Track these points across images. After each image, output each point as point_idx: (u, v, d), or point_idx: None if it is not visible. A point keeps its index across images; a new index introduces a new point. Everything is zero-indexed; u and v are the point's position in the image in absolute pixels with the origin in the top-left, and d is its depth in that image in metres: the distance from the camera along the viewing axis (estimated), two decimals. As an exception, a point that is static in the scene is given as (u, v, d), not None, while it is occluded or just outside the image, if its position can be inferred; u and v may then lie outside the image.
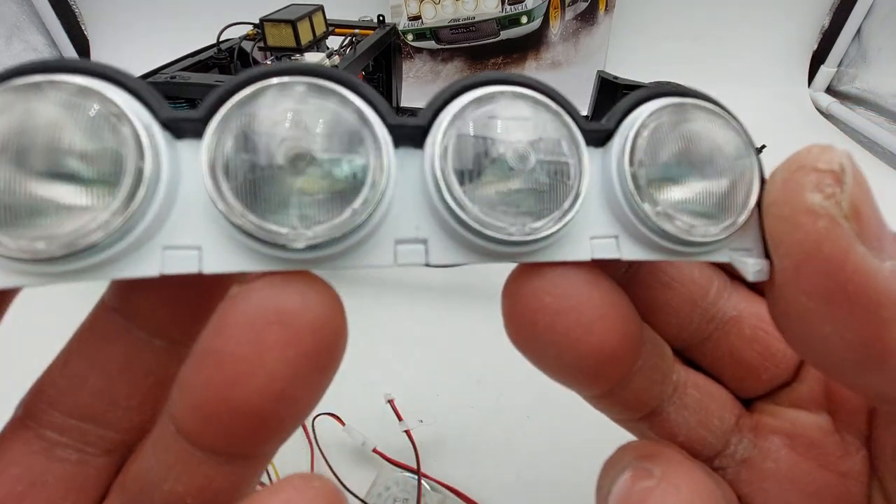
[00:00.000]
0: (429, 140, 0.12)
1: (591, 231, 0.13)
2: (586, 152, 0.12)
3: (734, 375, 0.17)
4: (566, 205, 0.12)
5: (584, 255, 0.13)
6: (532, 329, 0.13)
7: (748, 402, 0.18)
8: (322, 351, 0.11)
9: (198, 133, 0.11)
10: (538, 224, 0.12)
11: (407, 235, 0.12)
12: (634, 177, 0.12)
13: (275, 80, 0.11)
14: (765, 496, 0.16)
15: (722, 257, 0.13)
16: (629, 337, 0.13)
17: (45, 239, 0.10)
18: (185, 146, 0.11)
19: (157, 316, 0.14)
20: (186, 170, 0.11)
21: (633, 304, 0.14)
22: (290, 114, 0.11)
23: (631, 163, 0.12)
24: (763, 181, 0.13)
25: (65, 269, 0.10)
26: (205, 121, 0.11)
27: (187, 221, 0.11)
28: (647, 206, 0.12)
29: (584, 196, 0.12)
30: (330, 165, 0.11)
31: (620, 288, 0.14)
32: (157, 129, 0.11)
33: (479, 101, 0.12)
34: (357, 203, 0.11)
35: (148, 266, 0.11)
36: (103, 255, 0.10)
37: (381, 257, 0.12)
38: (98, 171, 0.10)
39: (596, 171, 0.13)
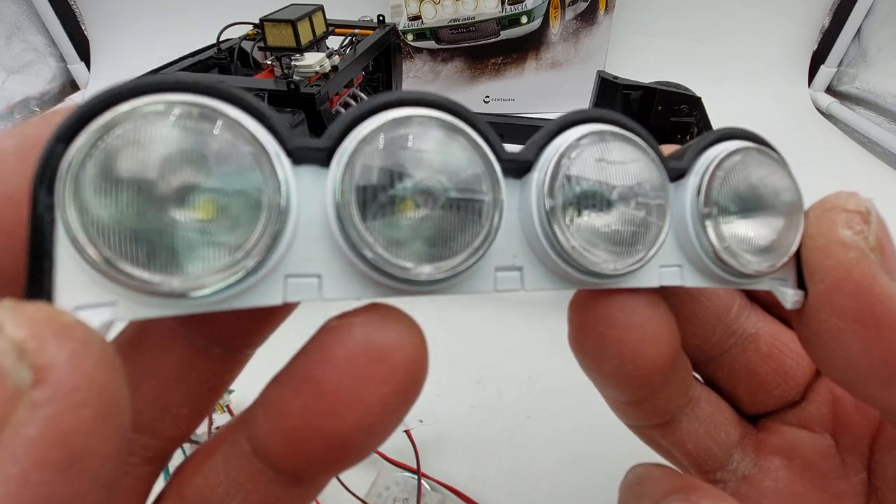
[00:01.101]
0: (535, 176, 0.12)
1: (660, 260, 0.14)
2: (671, 196, 0.13)
3: (748, 389, 0.18)
4: (651, 242, 0.13)
5: (654, 282, 0.14)
6: (600, 340, 0.14)
7: (756, 419, 0.19)
8: (411, 388, 0.12)
9: (319, 161, 0.11)
10: (630, 260, 0.13)
11: (505, 263, 0.12)
12: (708, 215, 0.13)
13: (400, 113, 0.11)
14: None
15: (763, 286, 0.14)
16: (675, 352, 0.15)
17: (185, 278, 0.09)
18: (305, 172, 0.11)
19: (219, 324, 0.13)
20: (306, 197, 0.11)
21: None
22: (419, 149, 0.11)
23: (705, 203, 0.13)
24: None
25: (198, 302, 0.10)
26: (331, 151, 0.11)
27: (307, 249, 0.11)
28: (715, 242, 0.13)
29: (667, 234, 0.13)
30: (456, 203, 0.11)
31: (669, 309, 0.15)
32: (284, 158, 0.10)
33: (586, 140, 0.12)
34: (477, 242, 0.11)
35: (273, 295, 0.11)
36: (237, 288, 0.10)
37: (484, 284, 0.12)
38: (237, 208, 0.10)
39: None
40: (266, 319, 0.14)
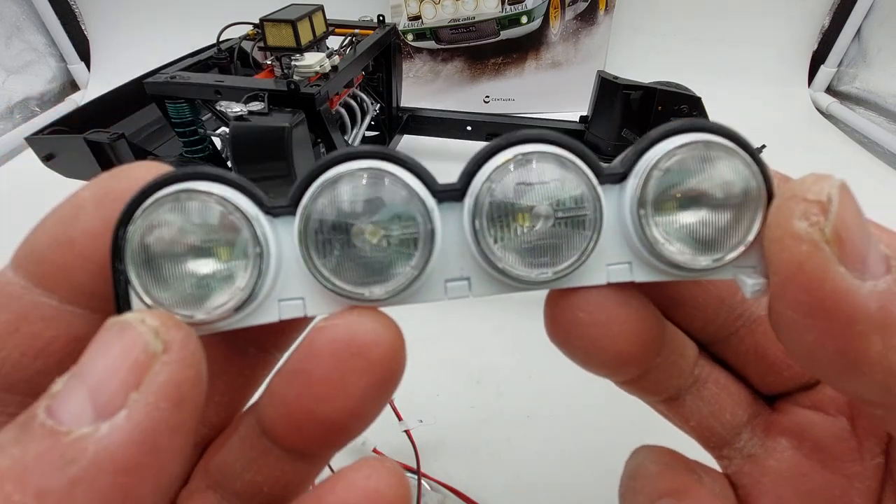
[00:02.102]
0: (466, 201, 0.14)
1: (607, 259, 0.14)
2: (604, 205, 0.14)
3: (757, 371, 0.18)
4: (582, 248, 0.14)
5: (601, 280, 0.14)
6: (567, 335, 0.15)
7: (773, 399, 0.19)
8: (388, 378, 0.13)
9: (291, 213, 0.14)
10: (558, 268, 0.14)
11: (454, 275, 0.15)
12: (644, 217, 0.14)
13: (340, 170, 0.13)
14: (760, 489, 0.18)
15: (727, 275, 0.14)
16: (650, 344, 0.16)
17: (207, 311, 0.13)
18: (282, 222, 0.14)
19: (255, 328, 0.17)
20: (284, 241, 0.14)
21: (660, 297, 0.17)
22: (355, 199, 0.13)
23: (641, 205, 0.14)
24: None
25: (220, 326, 0.14)
26: (294, 206, 0.13)
27: (292, 278, 0.14)
28: (654, 242, 0.14)
29: (601, 238, 0.14)
30: (392, 239, 0.13)
31: (649, 301, 0.16)
32: (262, 217, 0.14)
33: (511, 165, 0.13)
34: (413, 262, 0.14)
35: (271, 314, 0.14)
36: (244, 312, 0.14)
37: (435, 294, 0.15)
38: (234, 256, 0.13)
39: (613, 206, 0.14)
40: (289, 327, 0.16)
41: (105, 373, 0.11)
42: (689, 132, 0.14)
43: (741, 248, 0.14)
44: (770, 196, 0.14)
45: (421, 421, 0.36)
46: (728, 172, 0.13)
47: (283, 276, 0.14)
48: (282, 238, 0.14)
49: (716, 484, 0.18)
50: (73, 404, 0.11)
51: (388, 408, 0.36)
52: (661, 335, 0.16)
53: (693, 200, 0.14)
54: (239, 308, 0.13)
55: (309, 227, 0.13)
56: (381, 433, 0.36)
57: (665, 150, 0.13)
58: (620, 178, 0.14)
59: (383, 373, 0.13)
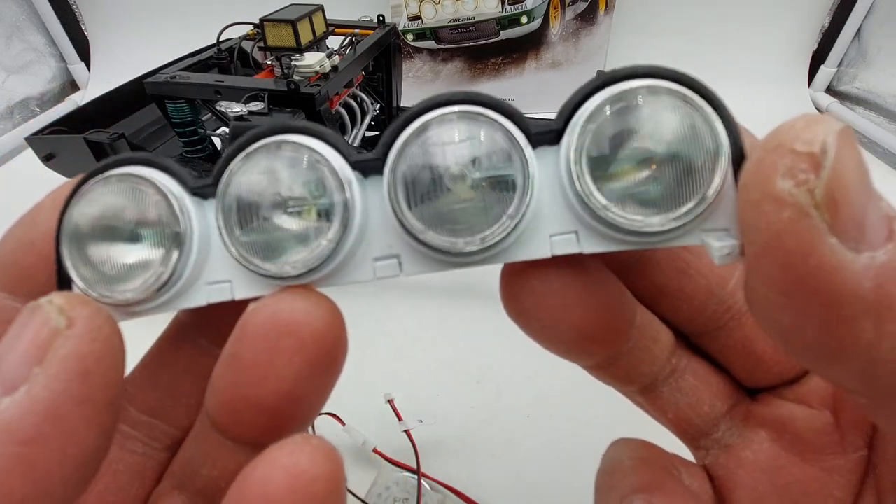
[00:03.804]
0: (385, 170, 0.13)
1: (550, 229, 0.13)
2: (533, 160, 0.12)
3: (744, 365, 0.18)
4: (511, 211, 0.12)
5: (544, 252, 0.13)
6: (520, 305, 0.15)
7: (755, 392, 0.18)
8: (324, 357, 0.13)
9: (213, 195, 0.14)
10: (485, 234, 0.13)
11: (382, 253, 0.14)
12: (580, 176, 0.12)
13: (256, 145, 0.13)
14: (735, 481, 0.17)
15: (693, 240, 0.12)
16: (611, 321, 0.15)
17: (130, 290, 0.13)
18: (210, 205, 0.14)
19: (217, 328, 0.17)
20: (212, 224, 0.14)
21: (644, 286, 0.17)
22: (267, 173, 0.13)
23: (576, 162, 0.12)
24: (740, 161, 0.12)
25: (146, 307, 0.14)
26: (215, 185, 0.13)
27: (220, 262, 0.14)
28: (595, 204, 0.12)
29: (531, 201, 0.12)
30: (302, 209, 0.13)
31: (615, 277, 0.15)
32: (187, 198, 0.14)
33: (420, 129, 0.13)
34: (329, 234, 0.13)
35: (198, 298, 0.14)
36: (168, 294, 0.14)
37: (363, 273, 0.14)
38: (154, 236, 0.13)
39: (551, 170, 0.13)
40: None
41: (13, 352, 0.11)
42: (629, 79, 0.12)
43: (702, 207, 0.12)
44: (735, 145, 0.12)
45: (421, 421, 0.36)
46: (675, 119, 0.12)
47: (211, 260, 0.14)
48: (210, 220, 0.14)
49: (693, 479, 0.18)
50: None
51: (388, 408, 0.36)
52: (627, 314, 0.16)
53: (637, 154, 0.12)
54: (162, 288, 0.13)
55: (226, 202, 0.13)
56: (381, 433, 0.36)
57: (602, 100, 0.12)
58: (556, 136, 0.13)
59: (317, 352, 0.13)
